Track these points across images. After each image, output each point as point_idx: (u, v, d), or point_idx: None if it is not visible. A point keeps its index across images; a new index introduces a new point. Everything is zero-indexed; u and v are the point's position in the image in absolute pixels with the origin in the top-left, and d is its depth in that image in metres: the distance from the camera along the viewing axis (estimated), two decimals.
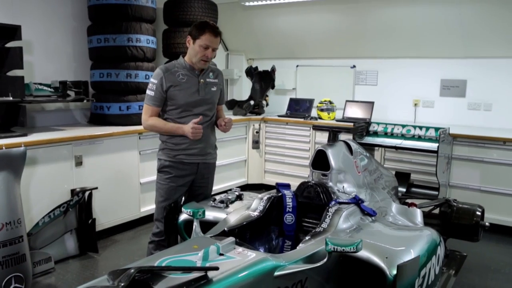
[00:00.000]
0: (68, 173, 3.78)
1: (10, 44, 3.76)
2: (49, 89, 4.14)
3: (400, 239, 2.45)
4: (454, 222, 3.31)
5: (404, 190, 4.31)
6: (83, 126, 4.49)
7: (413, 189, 4.42)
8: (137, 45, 4.44)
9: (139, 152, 4.37)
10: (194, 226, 2.40)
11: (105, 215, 4.10)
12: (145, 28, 4.53)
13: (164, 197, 2.96)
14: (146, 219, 4.47)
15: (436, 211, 3.52)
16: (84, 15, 4.61)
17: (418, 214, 2.99)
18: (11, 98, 3.70)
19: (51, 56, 4.52)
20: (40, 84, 4.13)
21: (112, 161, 4.15)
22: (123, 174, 4.24)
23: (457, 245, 3.70)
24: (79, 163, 3.85)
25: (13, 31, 3.68)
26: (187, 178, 2.98)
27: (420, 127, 4.46)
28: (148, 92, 2.87)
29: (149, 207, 4.41)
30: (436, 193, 4.17)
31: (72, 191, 3.77)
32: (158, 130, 2.95)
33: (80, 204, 3.78)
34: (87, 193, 3.81)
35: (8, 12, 4.09)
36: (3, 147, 3.09)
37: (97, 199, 3.96)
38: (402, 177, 4.39)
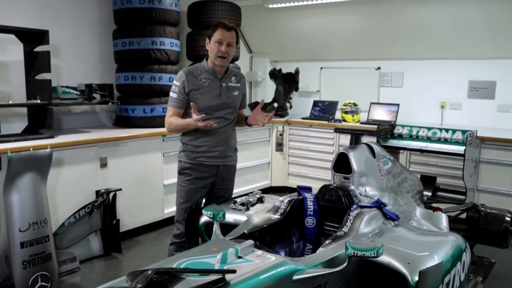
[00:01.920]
0: (93, 175, 3.85)
1: (38, 49, 3.85)
2: (75, 92, 4.24)
3: (423, 244, 2.40)
4: (482, 228, 3.22)
5: (429, 194, 4.23)
6: (109, 128, 4.57)
7: (439, 193, 4.33)
8: (161, 48, 4.49)
9: (163, 154, 4.41)
10: (214, 229, 2.40)
11: (129, 216, 4.15)
12: (169, 31, 4.57)
13: (185, 199, 2.97)
14: (169, 221, 4.49)
15: (463, 216, 3.43)
16: (110, 19, 4.69)
17: (443, 219, 2.92)
18: (39, 101, 3.79)
19: (77, 59, 4.62)
20: (67, 87, 4.22)
21: (136, 163, 4.20)
22: (147, 175, 4.29)
23: (485, 252, 3.59)
24: (104, 164, 3.91)
25: (41, 36, 3.78)
26: (207, 180, 2.99)
27: (447, 130, 4.36)
28: (171, 94, 2.90)
29: (172, 209, 4.41)
30: (463, 197, 4.07)
31: (97, 192, 3.83)
32: (175, 127, 2.93)
33: (105, 205, 3.84)
34: (111, 194, 3.87)
35: (37, 17, 4.20)
36: (31, 149, 3.16)
37: (121, 200, 4.01)
38: (428, 180, 4.31)
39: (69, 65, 4.52)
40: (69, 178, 3.67)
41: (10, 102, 3.81)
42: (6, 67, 4.01)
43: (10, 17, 3.92)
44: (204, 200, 3.08)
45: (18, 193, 2.99)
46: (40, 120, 3.88)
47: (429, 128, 4.50)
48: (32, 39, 3.84)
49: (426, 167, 4.75)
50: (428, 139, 4.45)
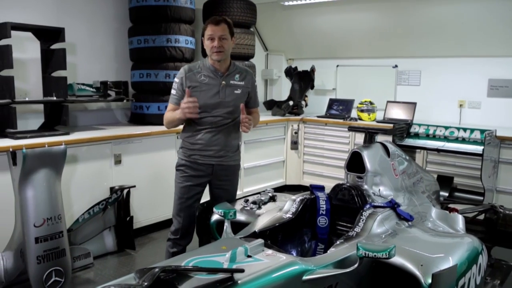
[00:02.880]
0: (108, 171, 3.88)
1: (54, 46, 3.89)
2: (91, 89, 4.27)
3: (438, 246, 2.35)
4: (501, 230, 3.15)
5: (446, 194, 4.15)
6: (123, 126, 4.59)
7: (456, 194, 4.25)
8: (176, 46, 4.50)
9: (177, 152, 4.41)
10: (225, 227, 2.39)
11: (142, 213, 4.17)
12: (184, 28, 4.58)
13: (178, 195, 2.95)
14: None
15: (481, 217, 3.36)
16: (125, 16, 4.72)
17: (460, 220, 2.86)
18: (55, 98, 3.83)
19: (93, 57, 4.65)
20: (83, 84, 4.26)
21: (150, 160, 4.22)
22: (161, 173, 4.31)
23: (503, 254, 3.50)
24: (118, 161, 3.94)
25: (58, 34, 3.82)
26: (202, 179, 2.93)
27: (465, 129, 4.28)
28: (172, 90, 2.88)
29: None
30: (481, 198, 3.99)
31: (111, 189, 3.86)
32: (166, 121, 2.89)
33: (119, 201, 3.86)
34: (125, 191, 3.89)
35: (53, 16, 4.24)
36: (46, 145, 3.19)
37: (135, 197, 4.04)
38: (445, 181, 4.24)
39: (84, 62, 4.55)
40: (84, 175, 3.71)
41: (27, 99, 3.85)
42: (24, 65, 4.06)
43: (27, 15, 3.96)
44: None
45: (33, 189, 3.02)
46: (56, 117, 3.92)
47: (446, 127, 4.42)
48: (49, 36, 3.89)
49: (443, 167, 4.67)
50: (446, 139, 4.37)
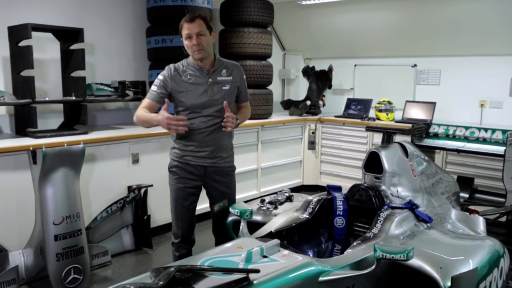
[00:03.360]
0: (125, 170, 3.91)
1: (74, 47, 3.94)
2: (109, 89, 4.31)
3: (458, 248, 2.31)
4: None
5: (466, 196, 4.08)
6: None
7: (477, 195, 4.17)
8: None
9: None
10: (241, 227, 2.38)
11: (159, 212, 4.19)
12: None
13: (174, 198, 2.86)
14: (200, 217, 4.49)
15: (503, 219, 3.29)
16: (143, 17, 4.76)
17: (480, 222, 2.81)
18: (74, 98, 3.88)
19: (111, 57, 4.70)
20: (101, 84, 4.30)
21: (168, 159, 4.20)
22: None
23: None
24: (135, 160, 3.97)
25: (77, 34, 3.86)
26: (196, 182, 2.81)
27: (486, 129, 4.20)
28: (152, 86, 2.74)
29: (203, 206, 4.45)
30: (503, 200, 3.91)
31: (129, 187, 3.89)
32: (137, 119, 2.72)
33: (136, 200, 3.90)
34: (143, 190, 3.92)
35: (73, 17, 4.29)
36: (65, 144, 3.24)
37: (152, 196, 4.06)
38: (465, 182, 4.16)
39: (103, 62, 4.60)
40: (102, 174, 3.74)
41: (47, 98, 3.91)
42: (44, 65, 4.12)
43: (47, 16, 4.02)
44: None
45: (52, 187, 3.07)
46: (75, 116, 3.97)
47: (467, 128, 4.34)
48: (68, 37, 3.93)
49: (463, 167, 4.59)
50: (466, 139, 4.30)
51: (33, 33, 3.56)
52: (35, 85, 3.66)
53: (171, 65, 2.75)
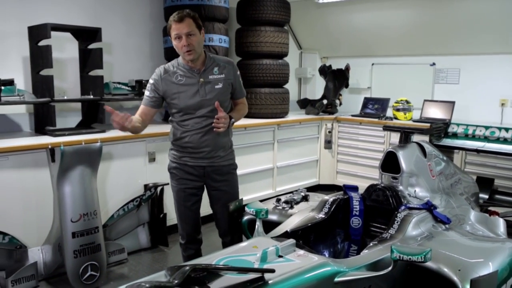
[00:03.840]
0: (142, 169, 3.93)
1: (92, 46, 3.98)
2: (126, 87, 4.35)
3: (477, 250, 2.27)
4: None
5: (486, 197, 4.01)
6: (158, 124, 4.65)
7: (497, 196, 4.09)
8: (209, 44, 4.52)
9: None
10: (256, 226, 2.38)
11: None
12: (218, 27, 4.59)
13: (176, 199, 2.83)
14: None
15: None
16: (160, 16, 4.78)
17: (501, 224, 2.76)
18: (91, 97, 3.92)
19: (129, 56, 4.74)
20: (118, 83, 4.34)
21: None
22: None
23: None
24: (152, 159, 3.99)
25: (95, 34, 3.90)
26: (195, 182, 2.76)
27: (506, 129, 4.12)
28: (145, 91, 2.69)
29: None
30: None
31: (145, 186, 3.91)
32: None
33: (153, 199, 3.92)
34: (159, 189, 3.94)
35: (91, 16, 4.34)
36: (83, 143, 3.27)
37: (169, 195, 4.04)
38: (485, 182, 4.08)
39: (120, 61, 4.64)
40: (119, 172, 3.77)
41: (66, 97, 3.95)
42: (63, 64, 4.17)
43: (66, 16, 4.07)
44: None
45: (70, 185, 3.10)
46: (93, 115, 4.02)
47: (486, 127, 4.26)
48: (86, 37, 3.98)
49: (483, 168, 4.50)
50: (486, 139, 4.22)
51: (52, 33, 3.60)
52: (54, 84, 3.71)
53: (161, 67, 2.67)
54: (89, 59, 3.98)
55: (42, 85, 3.71)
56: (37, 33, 3.67)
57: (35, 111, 3.86)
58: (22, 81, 3.93)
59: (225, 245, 2.72)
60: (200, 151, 2.67)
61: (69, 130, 3.77)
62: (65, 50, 4.15)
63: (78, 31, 3.97)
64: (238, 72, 2.76)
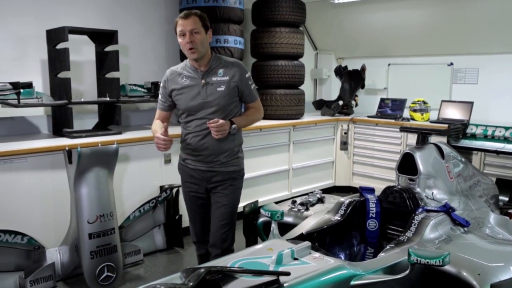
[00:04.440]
0: (158, 170, 3.95)
1: (108, 48, 4.02)
2: (142, 89, 4.37)
3: (497, 254, 2.23)
4: None
5: (506, 199, 3.93)
6: (174, 126, 4.65)
7: None
8: (225, 46, 4.53)
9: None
10: (272, 228, 2.37)
11: None
12: (233, 29, 4.60)
13: (185, 201, 2.83)
14: None
15: None
16: (176, 17, 4.79)
17: None
18: (108, 99, 3.95)
19: (144, 58, 4.77)
20: (135, 85, 4.37)
21: None
22: None
23: None
24: (168, 160, 4.00)
25: (111, 36, 3.93)
26: (196, 186, 2.69)
27: None
28: (159, 95, 2.75)
29: None
30: None
31: (161, 187, 3.93)
32: (152, 132, 2.74)
33: (168, 200, 3.93)
34: (174, 190, 3.94)
35: (107, 19, 4.38)
36: (99, 144, 3.30)
37: None
38: (505, 184, 4.00)
39: (136, 63, 4.67)
40: (135, 173, 3.80)
41: (83, 99, 3.99)
42: (80, 67, 4.22)
43: (83, 19, 4.12)
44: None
45: (87, 187, 3.13)
46: (109, 117, 4.05)
47: (506, 128, 4.18)
48: (103, 39, 4.01)
49: (503, 169, 4.42)
50: (506, 140, 4.15)
51: (70, 36, 3.64)
52: (71, 86, 3.74)
53: (169, 69, 2.69)
54: (106, 61, 4.01)
55: (60, 88, 3.76)
56: (55, 36, 3.71)
57: (53, 113, 3.90)
58: (41, 84, 3.99)
59: (210, 257, 2.66)
60: (199, 154, 2.62)
61: (86, 132, 3.81)
62: (82, 53, 4.20)
63: (95, 34, 4.01)
64: (248, 75, 2.64)
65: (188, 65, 2.61)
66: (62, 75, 3.75)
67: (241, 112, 2.71)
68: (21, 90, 3.47)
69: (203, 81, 2.54)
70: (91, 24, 4.04)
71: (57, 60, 3.72)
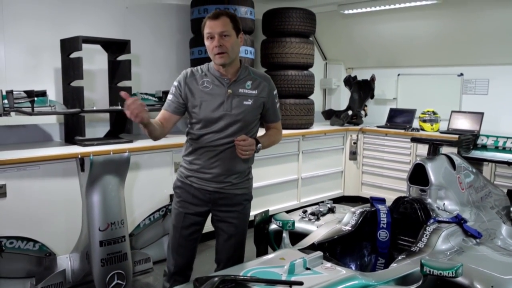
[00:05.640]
0: (168, 179, 3.96)
1: (121, 58, 4.06)
2: (153, 98, 4.41)
3: (510, 266, 2.21)
4: None
5: None
6: (184, 134, 4.68)
7: None
8: None
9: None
10: (283, 237, 2.38)
11: None
12: (244, 39, 4.62)
13: (173, 223, 2.47)
14: None
15: None
16: (187, 28, 4.85)
17: None
18: (119, 107, 3.99)
19: (156, 67, 4.81)
20: (146, 94, 4.41)
21: None
22: None
23: None
24: (178, 169, 4.02)
25: (124, 45, 3.98)
26: (199, 207, 2.38)
27: None
28: (168, 95, 2.39)
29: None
30: None
31: (171, 196, 3.94)
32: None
33: None
34: None
35: (120, 29, 4.44)
36: (111, 153, 3.32)
37: None
38: None
39: (148, 72, 4.72)
40: (145, 182, 3.81)
41: (95, 108, 4.04)
42: (92, 76, 4.26)
43: (96, 29, 4.17)
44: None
45: (98, 194, 3.15)
46: (121, 125, 4.08)
47: None
48: (115, 48, 4.06)
49: None
50: None
51: (83, 45, 3.69)
52: (84, 95, 3.79)
53: (188, 70, 2.36)
54: (118, 70, 4.06)
55: (73, 96, 3.80)
56: (69, 45, 3.76)
57: (65, 121, 3.95)
58: (54, 92, 4.03)
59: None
60: (208, 173, 2.32)
61: (97, 140, 3.84)
62: (94, 62, 4.25)
63: (107, 43, 4.06)
64: (275, 92, 2.41)
65: (212, 69, 2.30)
66: (75, 83, 3.80)
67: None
68: (35, 98, 3.52)
69: (229, 90, 2.26)
70: (104, 33, 4.09)
71: (71, 69, 3.77)
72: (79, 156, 3.23)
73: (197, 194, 2.36)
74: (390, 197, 2.85)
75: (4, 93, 3.36)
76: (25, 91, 3.48)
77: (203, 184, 2.34)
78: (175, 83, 2.34)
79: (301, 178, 5.15)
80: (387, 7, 5.19)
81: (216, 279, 1.57)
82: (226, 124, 2.26)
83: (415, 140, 3.53)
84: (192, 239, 2.45)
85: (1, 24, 3.77)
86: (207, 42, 2.23)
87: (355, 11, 5.48)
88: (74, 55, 3.75)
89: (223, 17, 2.19)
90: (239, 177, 2.37)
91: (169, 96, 2.35)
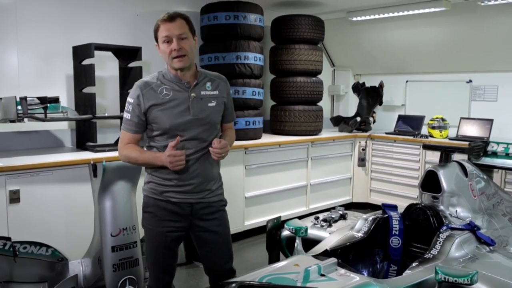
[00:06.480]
0: None
1: (132, 64, 4.10)
2: None
3: None
4: None
5: None
6: None
7: None
8: (245, 63, 4.59)
9: (245, 167, 4.47)
10: (296, 244, 2.38)
11: None
12: (253, 46, 4.66)
13: (153, 244, 2.32)
14: (250, 233, 4.55)
15: None
16: (197, 35, 4.87)
17: None
18: None
19: None
20: None
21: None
22: (229, 187, 4.31)
23: None
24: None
25: (135, 52, 4.01)
26: (180, 223, 2.25)
27: None
28: (124, 114, 2.22)
29: (253, 221, 4.51)
30: None
31: None
32: (134, 161, 2.26)
33: None
34: None
35: (131, 36, 4.47)
36: None
37: None
38: None
39: None
40: None
41: (106, 114, 4.07)
42: (104, 82, 4.30)
43: (107, 36, 4.21)
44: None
45: (111, 200, 3.16)
46: None
47: None
48: (127, 55, 4.10)
49: None
50: None
51: (95, 52, 3.73)
52: (95, 101, 3.82)
53: (140, 81, 2.23)
54: (129, 77, 4.09)
55: (85, 102, 3.84)
56: (81, 52, 3.81)
57: (77, 127, 3.98)
58: (66, 99, 4.07)
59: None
60: (188, 184, 2.19)
61: (109, 146, 3.86)
62: (106, 69, 4.29)
63: (119, 50, 4.10)
64: (231, 91, 2.38)
65: (168, 75, 2.20)
66: (87, 90, 3.84)
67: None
68: (48, 105, 3.55)
69: (192, 94, 2.17)
70: (114, 40, 4.13)
71: (83, 76, 3.81)
72: (92, 162, 3.26)
73: (177, 210, 2.23)
74: (399, 204, 2.86)
75: (18, 99, 3.40)
76: (38, 98, 3.52)
77: (183, 197, 2.22)
78: (131, 100, 2.19)
79: (310, 184, 5.16)
80: (396, 14, 5.21)
81: (234, 285, 1.58)
82: (195, 129, 2.18)
83: (426, 147, 3.53)
84: (175, 255, 2.39)
85: (14, 31, 3.82)
86: (163, 46, 2.15)
87: (363, 18, 5.50)
88: (86, 62, 3.79)
89: (179, 19, 2.13)
90: (215, 183, 2.31)
91: (127, 116, 2.20)
